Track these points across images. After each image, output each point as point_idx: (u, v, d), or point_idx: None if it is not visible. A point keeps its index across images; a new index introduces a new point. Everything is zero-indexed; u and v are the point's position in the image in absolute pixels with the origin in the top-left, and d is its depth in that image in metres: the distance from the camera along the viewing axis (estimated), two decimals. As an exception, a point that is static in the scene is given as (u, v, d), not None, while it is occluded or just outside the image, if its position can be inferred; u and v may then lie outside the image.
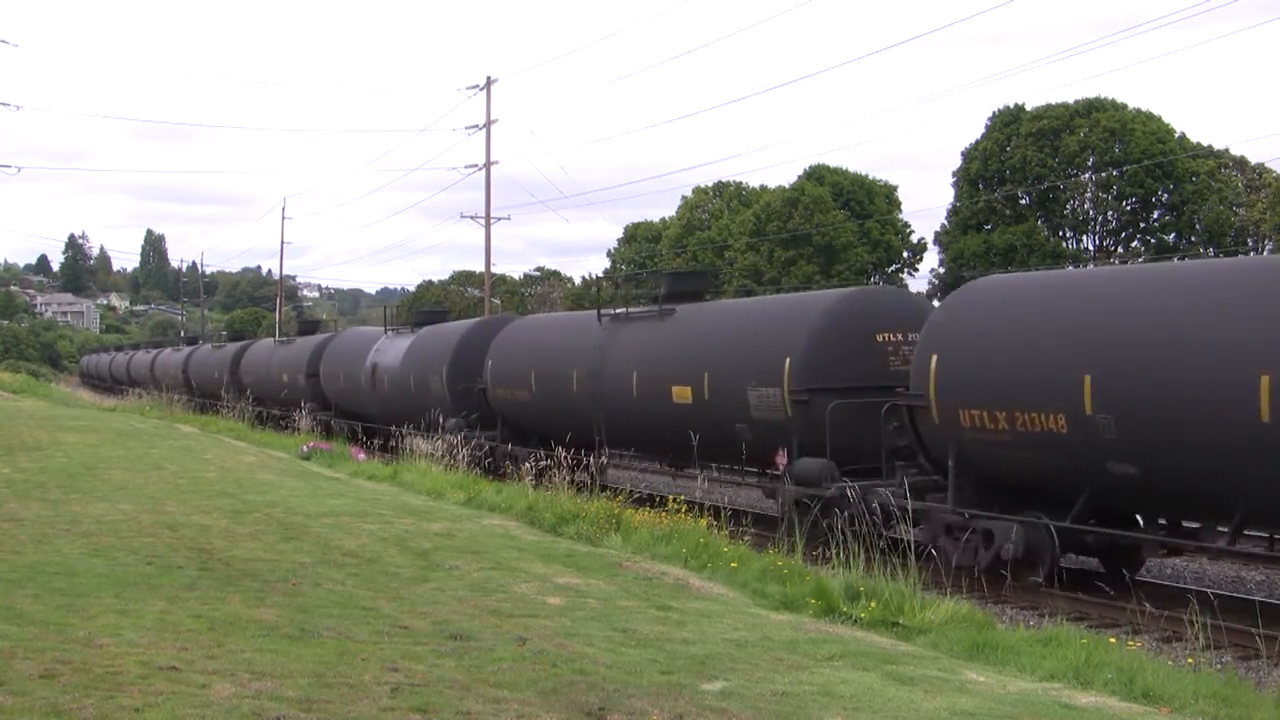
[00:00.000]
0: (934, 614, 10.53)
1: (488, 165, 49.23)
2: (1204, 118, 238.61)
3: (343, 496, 18.47)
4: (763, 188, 73.48)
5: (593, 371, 21.75)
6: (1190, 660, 9.69)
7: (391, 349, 31.47)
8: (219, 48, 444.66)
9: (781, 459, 16.95)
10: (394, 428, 28.48)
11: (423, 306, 35.94)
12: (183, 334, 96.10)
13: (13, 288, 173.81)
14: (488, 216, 49.77)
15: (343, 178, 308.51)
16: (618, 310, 22.69)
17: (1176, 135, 54.87)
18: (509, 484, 19.80)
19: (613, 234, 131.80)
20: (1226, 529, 12.70)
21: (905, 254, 67.09)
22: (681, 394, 19.22)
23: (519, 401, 24.65)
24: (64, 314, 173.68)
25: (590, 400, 21.83)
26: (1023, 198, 55.91)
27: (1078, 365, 12.85)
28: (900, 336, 17.02)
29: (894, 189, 67.97)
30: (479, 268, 63.07)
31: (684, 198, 77.33)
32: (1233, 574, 15.69)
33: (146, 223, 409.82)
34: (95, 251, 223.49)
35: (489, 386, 25.81)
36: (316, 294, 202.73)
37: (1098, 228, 56.36)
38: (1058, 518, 13.44)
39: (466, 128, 50.64)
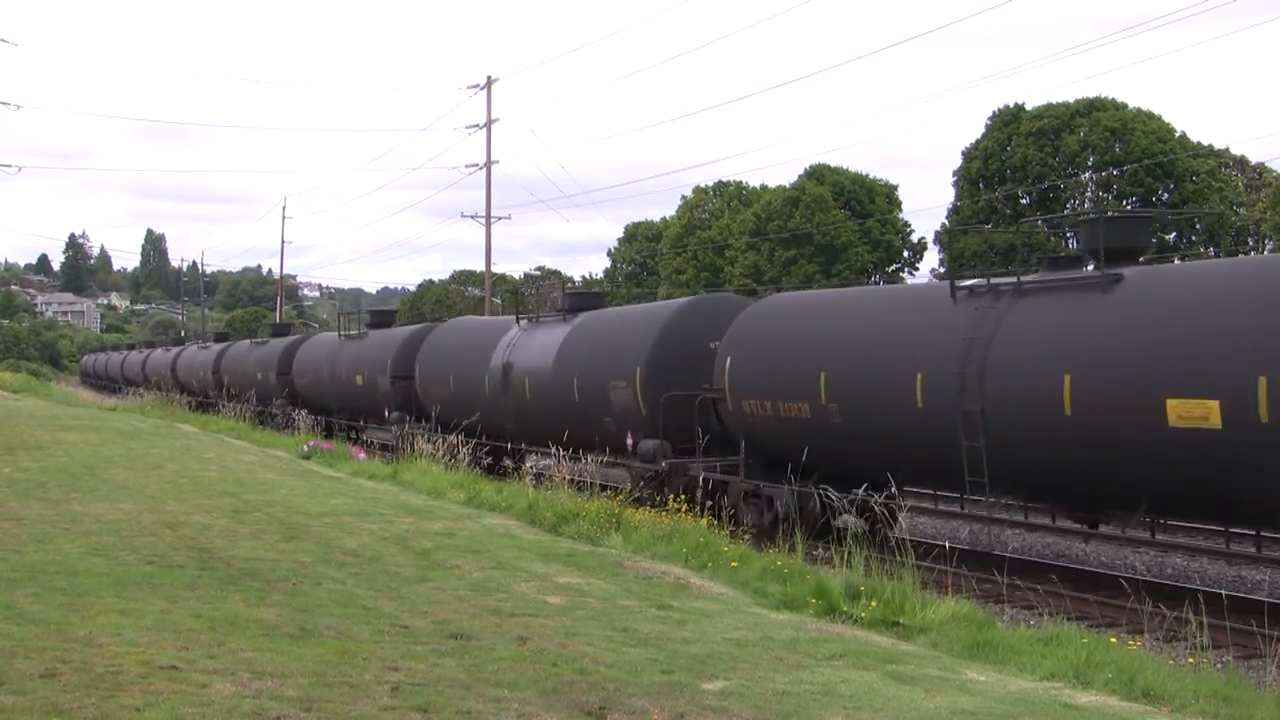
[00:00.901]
0: (934, 613, 10.54)
1: (488, 164, 49.25)
2: (1204, 117, 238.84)
3: (343, 496, 18.47)
4: (763, 187, 73.54)
5: (959, 374, 14.60)
6: (1191, 660, 9.69)
7: (533, 344, 24.30)
8: (219, 47, 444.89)
9: None
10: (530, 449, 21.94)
11: (578, 290, 27.16)
12: (183, 332, 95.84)
13: (13, 287, 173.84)
14: (488, 216, 49.79)
15: (344, 177, 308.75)
16: (994, 280, 15.53)
17: (1177, 135, 54.86)
18: (509, 483, 19.71)
19: (613, 233, 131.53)
20: None
21: (905, 253, 67.09)
22: (1191, 412, 12.10)
23: (792, 419, 17.17)
24: (64, 313, 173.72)
25: (956, 420, 14.58)
26: (1023, 197, 55.89)
27: None
28: None
29: (894, 188, 68.01)
30: (480, 267, 63.13)
31: (684, 197, 77.39)
32: (1233, 574, 15.69)
33: (147, 222, 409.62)
34: (95, 251, 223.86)
35: (727, 396, 18.50)
36: (317, 293, 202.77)
37: (1098, 227, 56.29)
38: None
39: (467, 127, 50.73)
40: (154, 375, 64.21)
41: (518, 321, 26.19)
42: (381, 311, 41.33)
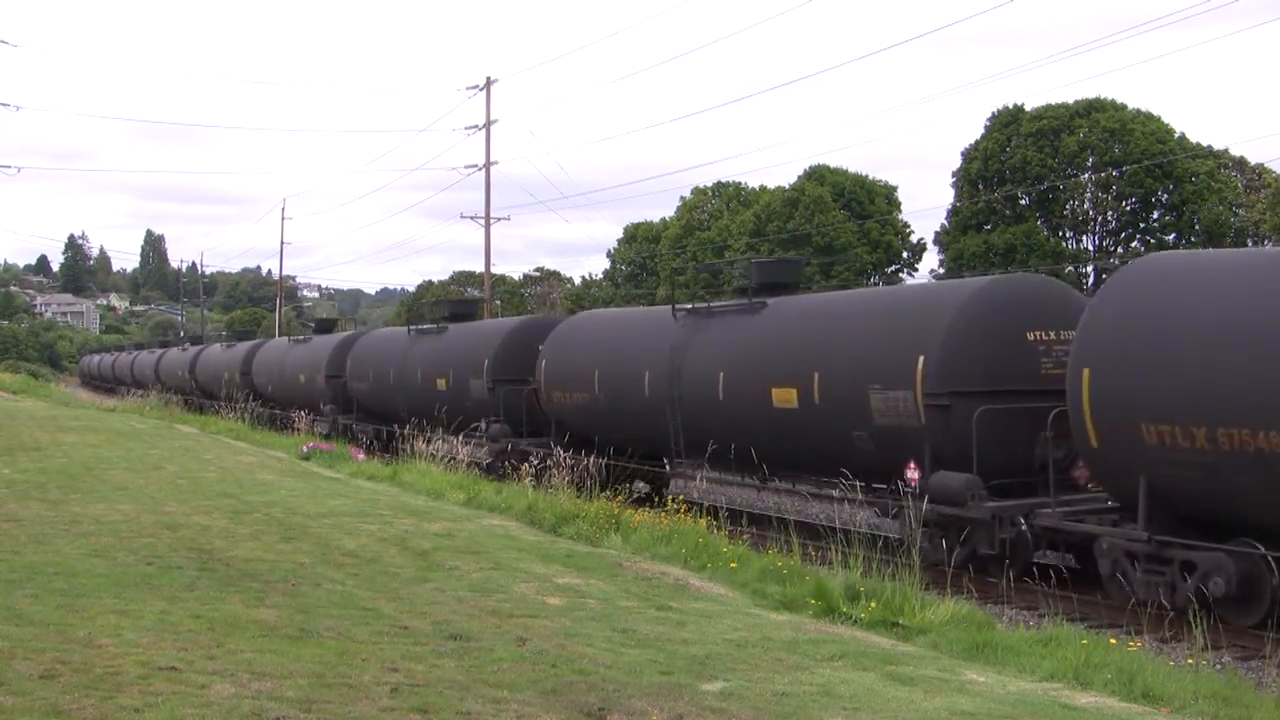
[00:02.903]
0: (934, 614, 10.54)
1: (487, 165, 49.26)
2: (1204, 118, 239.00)
3: (342, 497, 18.47)
4: (762, 188, 73.56)
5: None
6: (1190, 660, 9.70)
7: None
8: (219, 48, 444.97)
9: None
10: None
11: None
12: (181, 332, 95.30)
13: (12, 288, 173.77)
14: (487, 217, 49.79)
15: (343, 178, 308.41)
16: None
17: (1176, 135, 54.90)
18: (509, 484, 19.73)
19: (613, 234, 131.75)
20: None
21: (905, 254, 67.15)
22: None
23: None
24: (63, 314, 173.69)
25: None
26: (1022, 198, 55.91)
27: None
28: None
29: (894, 189, 68.05)
30: (479, 268, 63.14)
31: (683, 198, 77.39)
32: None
33: (147, 223, 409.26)
34: (95, 252, 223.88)
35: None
36: (316, 294, 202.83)
37: (1097, 228, 56.39)
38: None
39: (466, 128, 50.73)
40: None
41: None
42: (778, 261, 22.60)
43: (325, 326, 44.58)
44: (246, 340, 52.98)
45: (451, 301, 37.05)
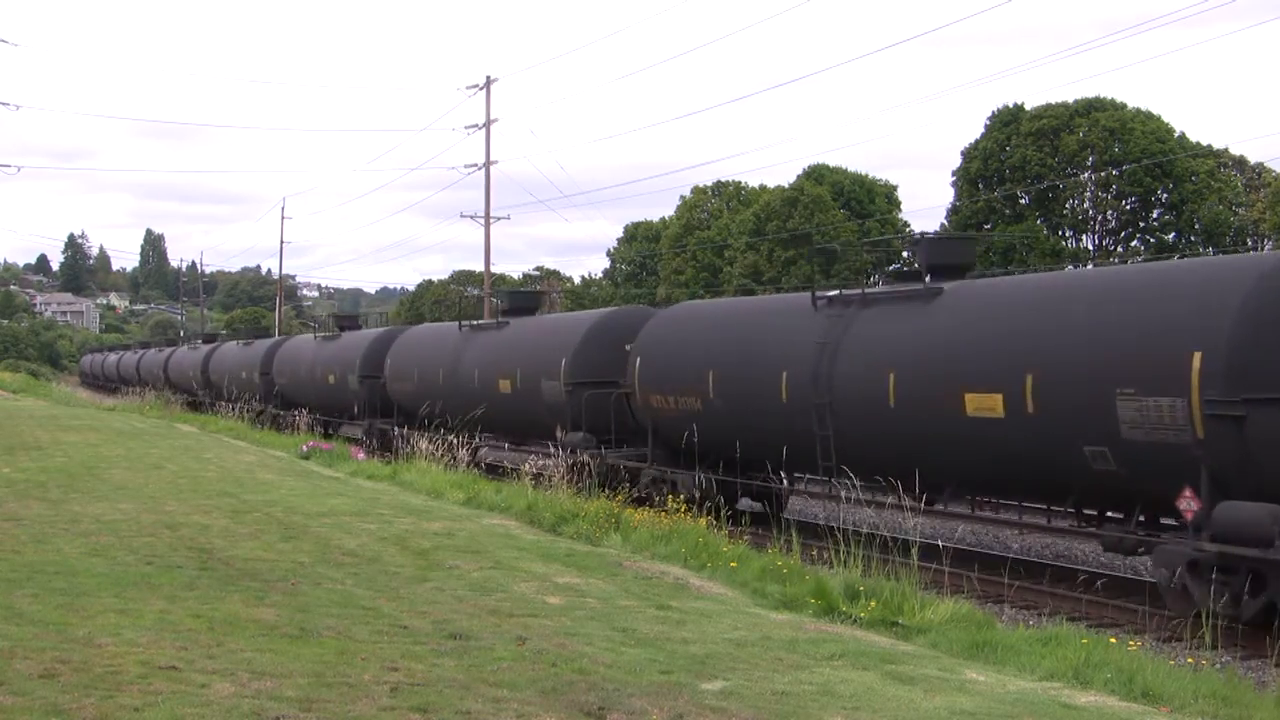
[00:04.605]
0: (934, 613, 10.54)
1: (487, 165, 49.24)
2: (1204, 117, 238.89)
3: (342, 496, 18.47)
4: (762, 187, 73.53)
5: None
6: (1190, 660, 9.70)
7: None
8: (220, 47, 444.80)
9: None
10: None
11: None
12: (182, 332, 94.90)
13: (12, 287, 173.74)
14: (487, 216, 49.79)
15: (343, 177, 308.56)
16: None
17: (1176, 135, 54.88)
18: (508, 483, 19.72)
19: (613, 233, 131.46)
20: None
21: (905, 254, 67.10)
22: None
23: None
24: (63, 313, 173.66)
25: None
26: (1022, 197, 55.91)
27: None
28: None
29: (894, 188, 68.00)
30: (479, 267, 63.13)
31: (683, 197, 77.36)
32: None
33: (148, 222, 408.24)
34: (95, 251, 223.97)
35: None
36: (316, 293, 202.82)
37: (1097, 227, 56.38)
38: None
39: (466, 127, 50.70)
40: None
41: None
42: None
43: (526, 303, 28.64)
44: (354, 329, 38.33)
45: (874, 240, 22.41)
